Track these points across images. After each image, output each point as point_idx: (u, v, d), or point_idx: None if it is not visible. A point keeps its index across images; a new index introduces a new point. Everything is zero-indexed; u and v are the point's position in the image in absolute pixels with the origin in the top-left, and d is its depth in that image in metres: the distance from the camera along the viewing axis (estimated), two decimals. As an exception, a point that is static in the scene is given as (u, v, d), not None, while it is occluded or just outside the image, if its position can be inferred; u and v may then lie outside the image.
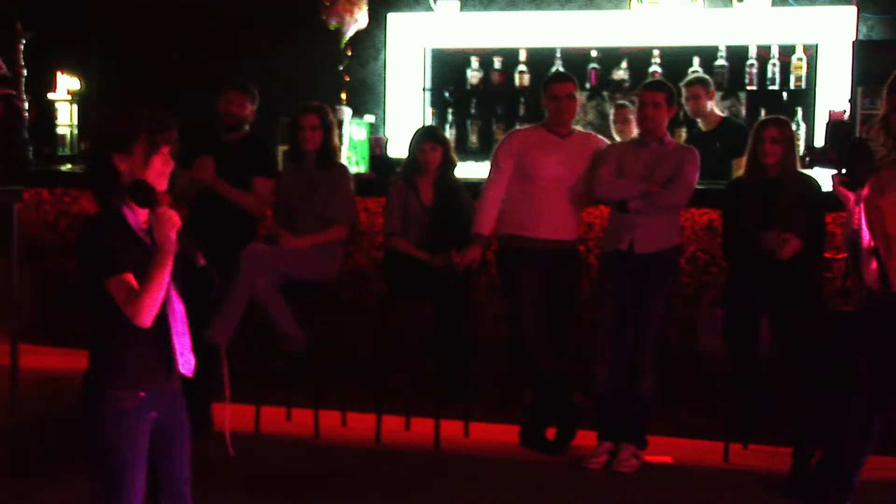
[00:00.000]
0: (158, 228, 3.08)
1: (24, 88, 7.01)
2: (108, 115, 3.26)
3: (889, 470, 5.21)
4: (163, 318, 3.19)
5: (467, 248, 5.54)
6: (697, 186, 5.38)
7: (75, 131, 7.45)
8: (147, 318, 3.10)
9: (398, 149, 6.93)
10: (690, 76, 7.05)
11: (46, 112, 7.35)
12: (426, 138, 5.82)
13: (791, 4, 7.51)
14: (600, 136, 5.78)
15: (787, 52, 7.51)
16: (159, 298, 3.11)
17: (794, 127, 7.16)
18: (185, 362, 3.25)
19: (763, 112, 7.00)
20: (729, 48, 7.55)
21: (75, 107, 7.43)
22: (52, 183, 6.79)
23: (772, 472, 5.28)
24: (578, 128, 5.77)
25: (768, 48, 7.54)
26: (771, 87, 7.56)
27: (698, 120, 6.90)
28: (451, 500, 4.99)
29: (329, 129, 5.82)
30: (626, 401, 5.32)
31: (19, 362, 5.26)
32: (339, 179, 5.82)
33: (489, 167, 5.67)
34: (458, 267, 5.53)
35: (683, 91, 6.81)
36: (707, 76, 6.97)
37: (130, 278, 3.09)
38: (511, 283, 5.55)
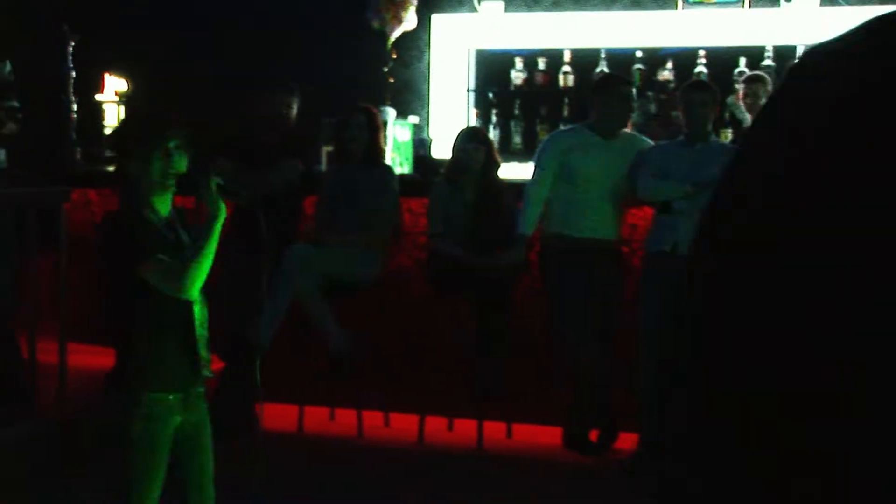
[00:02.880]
0: (207, 197, 3.18)
1: (72, 90, 7.08)
2: (118, 126, 3.40)
3: None
4: (188, 320, 3.23)
5: (511, 250, 5.54)
6: (743, 187, 5.33)
7: (122, 132, 7.52)
8: (193, 290, 3.16)
9: (442, 150, 6.93)
10: (751, 73, 7.00)
11: (94, 113, 7.42)
12: (469, 139, 5.82)
13: (840, 4, 7.43)
14: (644, 137, 5.75)
15: (835, 52, 7.42)
16: (205, 268, 3.17)
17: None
18: (204, 364, 3.29)
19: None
20: (776, 48, 7.48)
21: (122, 108, 7.49)
22: (99, 183, 6.85)
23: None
24: (624, 129, 5.75)
25: (816, 48, 7.45)
26: (819, 88, 7.47)
27: (747, 119, 6.84)
28: (494, 502, 4.98)
29: (375, 130, 5.84)
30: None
31: (67, 360, 5.30)
32: (384, 180, 5.83)
33: (532, 168, 5.66)
34: (500, 268, 5.53)
35: (741, 87, 6.77)
36: (766, 76, 6.91)
37: (164, 258, 3.16)
38: (554, 283, 5.54)
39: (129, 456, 3.19)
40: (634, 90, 7.62)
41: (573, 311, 5.46)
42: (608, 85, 5.68)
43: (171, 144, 3.21)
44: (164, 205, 3.25)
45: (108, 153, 7.34)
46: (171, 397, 3.21)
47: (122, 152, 3.29)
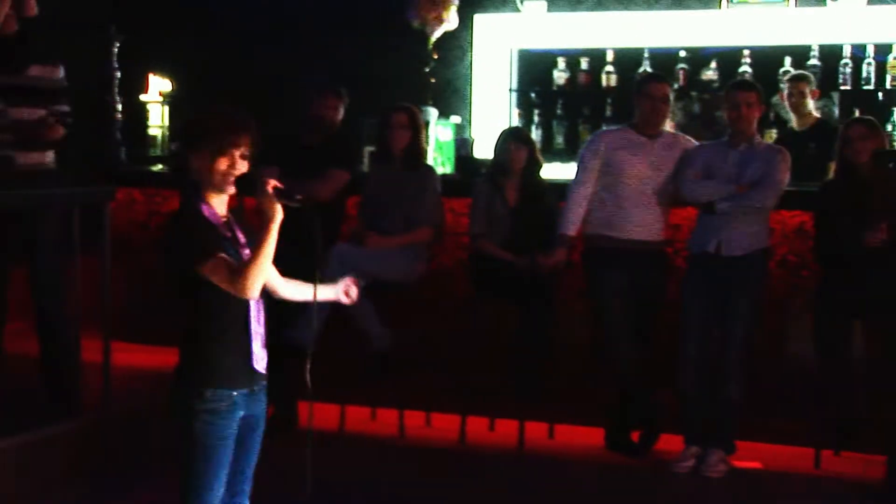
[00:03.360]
0: (263, 199, 3.15)
1: (116, 90, 7.13)
2: (192, 114, 3.36)
3: None
4: (247, 318, 3.25)
5: (553, 250, 5.51)
6: (788, 188, 5.29)
7: (166, 132, 7.56)
8: (255, 290, 3.16)
9: (484, 150, 6.91)
10: (795, 72, 6.93)
11: (138, 113, 7.48)
12: (512, 139, 5.81)
13: (888, 2, 7.34)
14: (689, 137, 5.71)
15: (883, 51, 7.33)
16: (266, 269, 3.18)
17: (890, 128, 7.05)
18: (259, 360, 3.31)
19: (857, 112, 6.85)
20: (822, 47, 7.40)
21: (166, 108, 7.54)
22: (143, 183, 6.90)
23: (865, 480, 5.17)
24: (667, 128, 5.70)
25: (863, 47, 7.38)
26: (866, 87, 7.39)
27: (791, 119, 6.78)
28: (535, 502, 4.96)
29: (417, 130, 5.85)
30: (714, 405, 5.25)
31: (111, 359, 5.34)
32: (426, 180, 5.84)
33: (575, 168, 5.63)
34: (543, 268, 5.52)
35: (786, 87, 6.71)
36: (810, 74, 6.84)
37: (226, 257, 3.16)
38: (596, 283, 5.52)
39: (192, 451, 3.20)
40: (678, 90, 7.65)
41: (612, 312, 5.43)
42: (640, 82, 5.64)
43: (239, 149, 3.20)
44: (221, 204, 3.27)
45: (154, 152, 7.39)
46: (234, 393, 3.23)
47: (191, 148, 3.23)
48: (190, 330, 3.26)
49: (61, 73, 5.37)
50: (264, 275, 3.19)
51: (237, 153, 3.20)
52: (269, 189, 3.16)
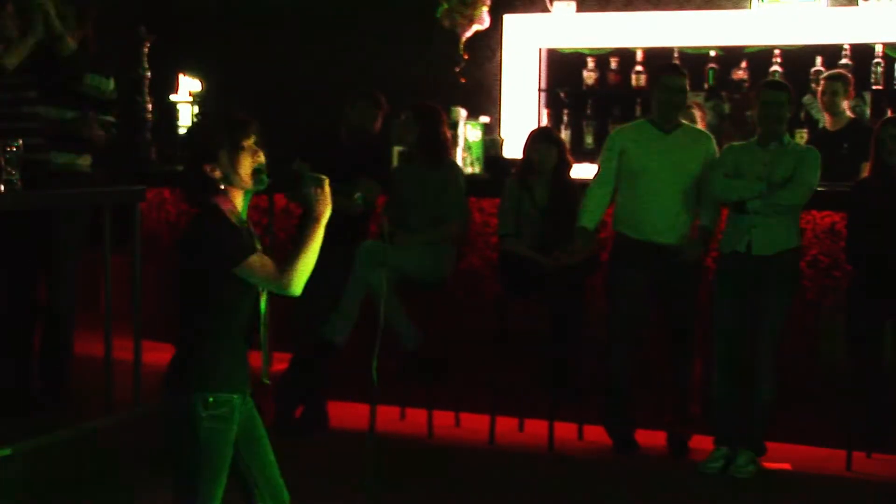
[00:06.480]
0: (316, 196, 3.14)
1: (147, 90, 7.17)
2: (194, 130, 3.31)
3: None
4: (255, 320, 3.21)
5: (572, 244, 5.50)
6: (819, 188, 5.26)
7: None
8: (300, 286, 3.14)
9: (513, 150, 6.90)
10: (830, 71, 6.86)
11: (168, 113, 7.51)
12: (541, 139, 5.80)
13: (920, 1, 7.27)
14: (705, 131, 5.72)
15: (915, 50, 7.29)
16: (311, 266, 3.15)
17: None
18: (269, 362, 3.24)
19: (889, 112, 6.80)
20: (854, 47, 7.35)
21: (196, 108, 7.57)
22: (173, 183, 6.92)
23: (896, 482, 5.14)
24: (684, 122, 5.67)
25: (895, 46, 7.32)
26: (898, 87, 7.34)
27: (822, 118, 6.73)
28: (565, 503, 4.95)
29: (434, 127, 5.80)
30: (744, 405, 5.22)
31: (142, 358, 5.37)
32: (448, 176, 5.82)
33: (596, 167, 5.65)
34: (560, 264, 5.49)
35: (821, 84, 6.65)
36: (848, 75, 6.77)
37: (263, 255, 3.14)
38: (610, 281, 5.54)
39: (196, 458, 3.11)
40: (708, 89, 7.61)
41: (618, 312, 5.44)
42: (659, 77, 5.61)
43: (253, 141, 3.17)
44: (238, 200, 3.20)
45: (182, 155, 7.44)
46: (235, 397, 3.16)
47: (207, 160, 3.16)
48: (197, 330, 3.17)
49: (111, 85, 5.45)
50: (308, 271, 3.15)
51: (250, 143, 3.17)
52: (326, 187, 3.14)
